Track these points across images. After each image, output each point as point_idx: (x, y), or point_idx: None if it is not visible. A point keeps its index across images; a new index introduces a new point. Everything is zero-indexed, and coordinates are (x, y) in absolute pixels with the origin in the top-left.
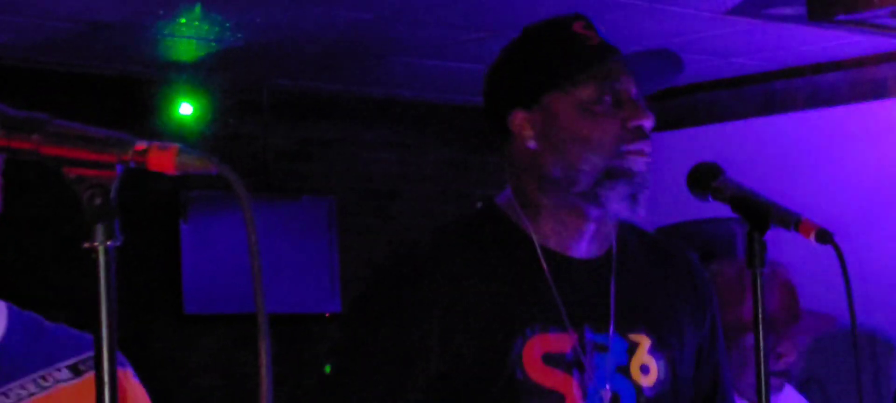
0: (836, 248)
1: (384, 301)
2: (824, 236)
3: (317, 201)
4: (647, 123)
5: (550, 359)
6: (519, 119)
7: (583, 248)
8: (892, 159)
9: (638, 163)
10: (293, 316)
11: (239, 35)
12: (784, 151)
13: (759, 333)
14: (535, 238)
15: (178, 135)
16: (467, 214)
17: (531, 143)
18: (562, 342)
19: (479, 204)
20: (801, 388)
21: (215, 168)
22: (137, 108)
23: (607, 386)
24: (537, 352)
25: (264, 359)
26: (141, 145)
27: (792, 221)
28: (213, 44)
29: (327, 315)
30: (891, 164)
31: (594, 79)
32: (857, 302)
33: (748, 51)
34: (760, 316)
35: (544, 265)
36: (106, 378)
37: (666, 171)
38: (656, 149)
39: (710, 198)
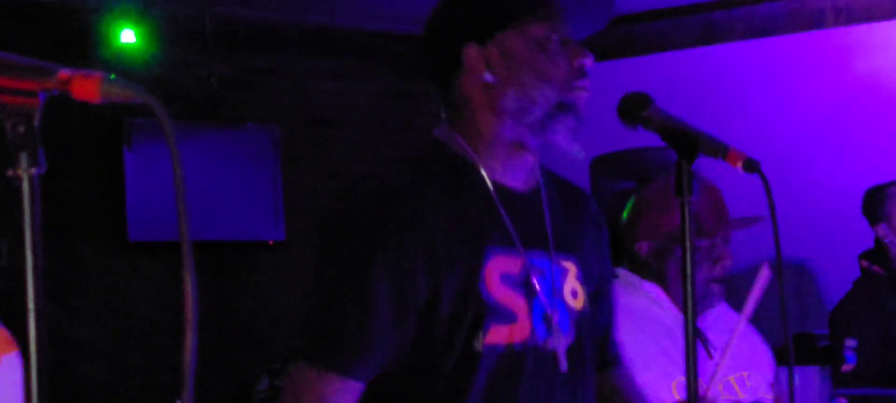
0: (762, 177)
1: (369, 231)
2: (751, 165)
3: (260, 129)
4: (589, 63)
5: (506, 279)
6: (472, 53)
7: (521, 180)
8: (829, 89)
9: (582, 99)
10: (237, 243)
11: None
12: (723, 81)
13: (687, 258)
14: (481, 168)
15: (121, 62)
16: (416, 149)
17: (487, 76)
18: (514, 263)
19: None
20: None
21: (140, 97)
22: (79, 37)
23: (550, 307)
24: (496, 272)
25: (190, 288)
26: (65, 73)
27: (720, 150)
28: None
29: (271, 243)
30: (828, 94)
31: (544, 18)
32: (793, 229)
33: None
34: (689, 243)
35: (492, 193)
36: (31, 306)
37: (604, 101)
38: (593, 79)
39: (640, 128)
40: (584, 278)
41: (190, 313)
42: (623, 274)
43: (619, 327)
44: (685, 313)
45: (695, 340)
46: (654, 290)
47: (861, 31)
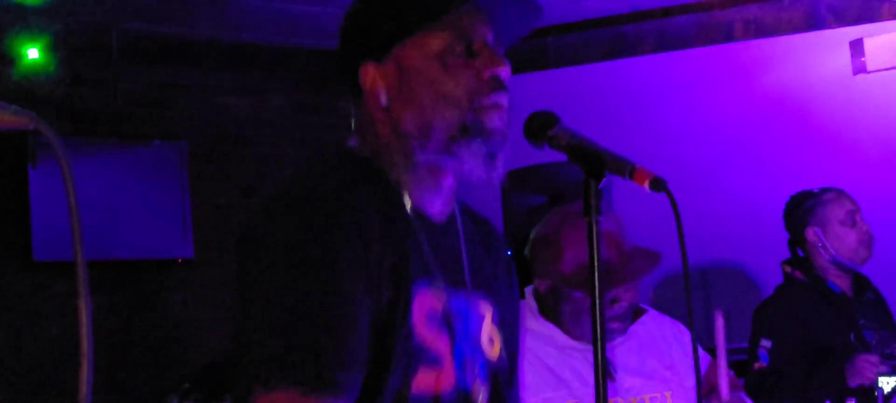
0: (670, 196)
1: (326, 230)
2: (658, 184)
3: (168, 146)
4: (504, 72)
5: (431, 318)
6: (370, 72)
7: (437, 208)
8: (739, 102)
9: (494, 120)
10: (146, 262)
11: None
12: (634, 94)
13: (595, 280)
14: (402, 192)
15: (26, 79)
16: (334, 160)
17: (383, 99)
18: (436, 300)
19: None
20: None
21: (32, 123)
22: None
23: (469, 355)
24: (421, 309)
25: (85, 318)
26: None
27: (626, 169)
28: None
29: (180, 260)
30: (738, 107)
31: (446, 27)
32: (704, 241)
33: None
34: (596, 263)
35: (413, 220)
36: None
37: (515, 116)
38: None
39: (547, 147)
40: (499, 323)
41: (85, 344)
42: (530, 301)
43: (534, 348)
44: (594, 342)
45: (604, 370)
46: (552, 331)
47: (770, 44)
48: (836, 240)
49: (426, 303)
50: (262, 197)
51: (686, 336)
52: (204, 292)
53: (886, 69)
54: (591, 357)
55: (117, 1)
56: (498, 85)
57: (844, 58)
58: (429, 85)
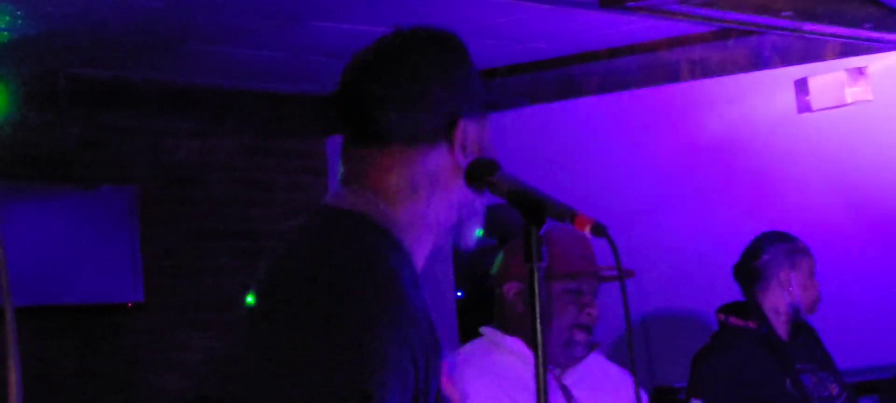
0: (610, 241)
1: (378, 307)
2: (599, 229)
3: (117, 190)
4: None
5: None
6: (471, 129)
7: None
8: (686, 141)
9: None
10: (95, 306)
11: (32, 24)
12: (580, 135)
13: (537, 327)
14: (413, 259)
15: None
16: (353, 230)
17: (462, 158)
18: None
19: None
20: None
21: None
22: None
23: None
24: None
25: (12, 354)
26: None
27: (567, 215)
28: (6, 33)
29: (130, 305)
30: (684, 147)
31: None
32: (647, 283)
33: (543, 35)
34: (538, 311)
35: (422, 289)
36: None
37: None
38: None
39: (487, 193)
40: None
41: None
42: (488, 332)
43: (486, 385)
44: (536, 368)
45: (546, 392)
46: (517, 345)
47: (715, 84)
48: (802, 290)
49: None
50: (213, 240)
51: (628, 382)
52: (153, 337)
53: (831, 108)
54: (551, 378)
55: (65, 45)
56: None
57: (789, 97)
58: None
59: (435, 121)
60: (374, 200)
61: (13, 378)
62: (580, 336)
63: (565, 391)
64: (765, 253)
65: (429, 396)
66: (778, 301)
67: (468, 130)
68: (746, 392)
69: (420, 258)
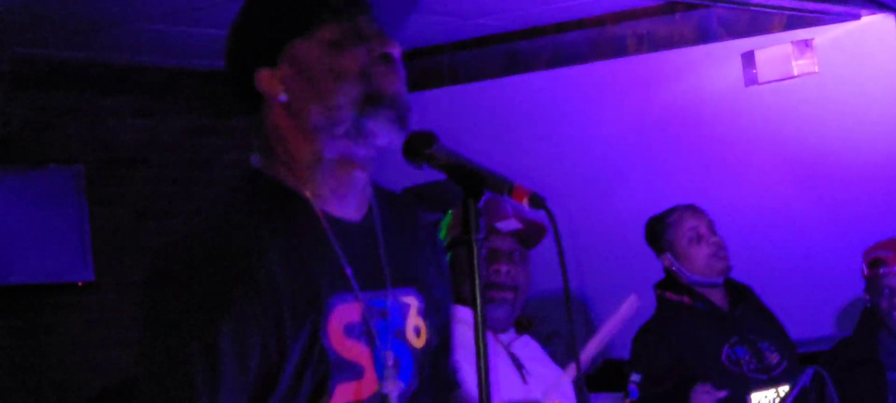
0: (548, 213)
1: (210, 295)
2: (537, 201)
3: (63, 170)
4: (395, 50)
5: (350, 330)
6: (266, 77)
7: (352, 209)
8: (634, 115)
9: (393, 84)
10: (45, 286)
11: None
12: (528, 110)
13: (479, 299)
14: (311, 201)
15: None
16: (235, 188)
17: (282, 97)
18: (354, 310)
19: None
20: (545, 342)
21: None
22: None
23: (390, 352)
24: (338, 324)
25: None
26: None
27: (505, 187)
28: None
29: (80, 283)
30: (632, 120)
31: (334, 18)
32: (596, 257)
33: (490, 11)
34: (478, 283)
35: (327, 228)
36: None
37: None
38: None
39: (425, 166)
40: (426, 310)
41: None
42: None
43: None
44: (476, 335)
45: (487, 369)
46: (465, 313)
47: (663, 58)
48: (686, 261)
49: (343, 317)
50: (158, 219)
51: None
52: (104, 315)
53: (777, 80)
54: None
55: (9, 25)
56: (390, 60)
57: (736, 70)
58: (326, 70)
59: (240, 87)
60: (265, 155)
61: None
62: (494, 295)
63: (515, 359)
64: (651, 244)
65: (302, 357)
66: (683, 280)
67: (262, 79)
68: (681, 366)
69: (332, 198)
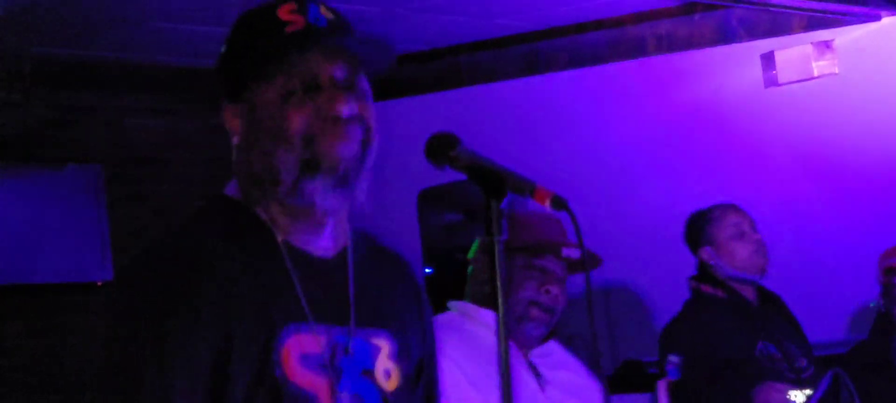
0: (571, 214)
1: (134, 304)
2: (558, 202)
3: (83, 169)
4: (346, 109)
5: (307, 360)
6: (228, 113)
7: (321, 244)
8: (653, 116)
9: (335, 149)
10: (64, 286)
11: None
12: (549, 111)
13: (501, 300)
14: (274, 231)
15: None
16: (202, 207)
17: (235, 139)
18: (314, 342)
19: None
20: (565, 344)
21: None
22: None
23: (360, 391)
24: (295, 352)
25: None
26: None
27: (527, 188)
28: None
29: (100, 283)
30: (652, 121)
31: (288, 68)
32: (620, 255)
33: (509, 11)
34: (500, 283)
35: (286, 260)
36: None
37: (430, 133)
38: (420, 111)
39: (448, 168)
40: (398, 356)
41: None
42: (461, 305)
43: (464, 355)
44: (499, 338)
45: (509, 375)
46: (490, 317)
47: (682, 59)
48: (727, 256)
49: (300, 345)
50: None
51: (587, 372)
52: None
53: (797, 81)
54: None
55: (28, 25)
56: (337, 122)
57: (756, 71)
58: (269, 127)
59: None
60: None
61: None
62: (536, 314)
63: (533, 368)
64: (688, 241)
65: (244, 377)
66: (721, 276)
67: (226, 113)
68: (718, 354)
69: (298, 232)
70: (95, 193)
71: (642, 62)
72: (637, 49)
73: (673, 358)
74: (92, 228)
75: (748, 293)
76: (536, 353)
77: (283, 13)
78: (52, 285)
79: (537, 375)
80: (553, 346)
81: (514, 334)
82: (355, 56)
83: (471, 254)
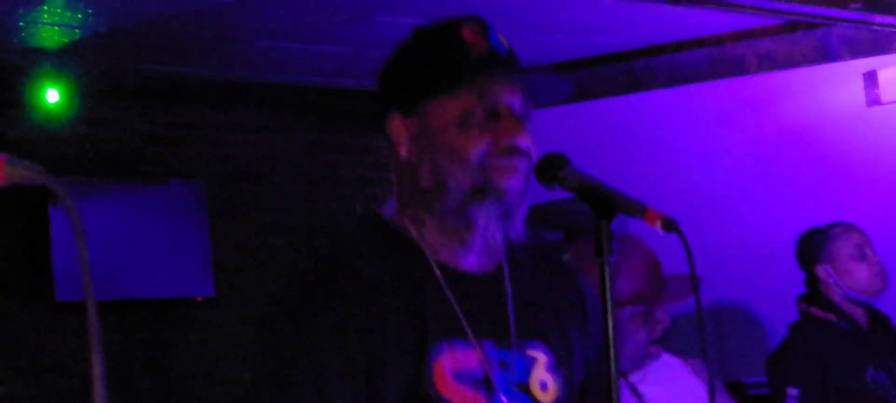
0: (682, 237)
1: (290, 326)
2: (670, 224)
3: (185, 185)
4: (522, 142)
5: (460, 376)
6: (396, 124)
7: (473, 261)
8: (753, 135)
9: (507, 181)
10: (166, 301)
11: (102, 21)
12: (646, 129)
13: (608, 321)
14: (426, 250)
15: (46, 121)
16: (355, 226)
17: (403, 151)
18: (469, 358)
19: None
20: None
21: (42, 179)
22: (3, 96)
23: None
24: (447, 368)
25: (97, 358)
26: None
27: (638, 210)
28: (77, 30)
29: (200, 298)
30: (751, 140)
31: (471, 90)
32: (721, 275)
33: (609, 29)
34: (610, 304)
35: (440, 278)
36: None
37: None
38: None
39: (557, 188)
40: (556, 367)
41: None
42: None
43: None
44: (609, 371)
45: (618, 386)
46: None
47: (783, 77)
48: (846, 276)
49: (454, 361)
50: (278, 235)
51: (694, 374)
52: (224, 330)
53: None
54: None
55: (133, 42)
56: (514, 151)
57: (858, 90)
58: (444, 145)
59: (379, 118)
60: (392, 194)
61: (97, 372)
62: (653, 349)
63: (633, 389)
64: (802, 257)
65: (395, 392)
66: (834, 295)
67: (393, 123)
68: (830, 380)
69: (450, 249)
70: (198, 209)
71: (742, 81)
72: (737, 67)
73: (792, 391)
74: (194, 244)
75: (859, 315)
76: (637, 373)
77: (468, 33)
78: (154, 300)
79: (639, 396)
80: (665, 359)
81: (635, 369)
82: (528, 88)
83: None
